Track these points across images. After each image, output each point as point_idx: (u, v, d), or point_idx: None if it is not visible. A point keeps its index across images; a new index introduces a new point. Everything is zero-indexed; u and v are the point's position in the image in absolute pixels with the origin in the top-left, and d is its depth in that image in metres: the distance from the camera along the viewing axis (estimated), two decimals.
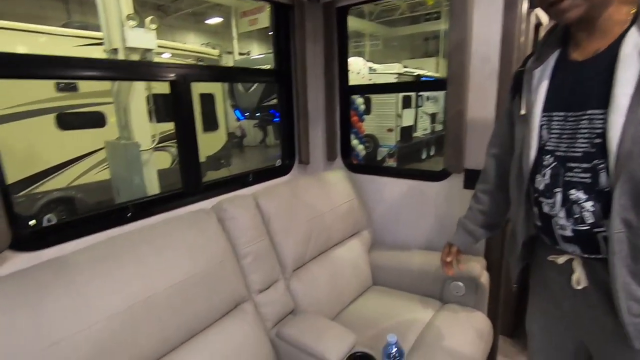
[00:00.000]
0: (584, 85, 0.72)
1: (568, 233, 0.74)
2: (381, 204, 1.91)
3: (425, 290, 1.61)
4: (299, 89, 1.78)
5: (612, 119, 0.65)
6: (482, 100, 1.50)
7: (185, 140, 1.36)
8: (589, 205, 0.70)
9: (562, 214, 0.74)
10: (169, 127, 4.07)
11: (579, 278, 0.75)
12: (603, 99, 0.67)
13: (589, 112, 0.70)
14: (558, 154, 0.75)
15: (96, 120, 4.59)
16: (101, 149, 4.12)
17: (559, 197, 0.74)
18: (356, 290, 1.62)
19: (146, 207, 1.23)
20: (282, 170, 1.85)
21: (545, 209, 0.77)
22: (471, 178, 1.60)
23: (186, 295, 1.01)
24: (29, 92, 3.94)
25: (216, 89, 6.04)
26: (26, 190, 3.88)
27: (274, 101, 6.31)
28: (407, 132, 8.12)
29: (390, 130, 7.77)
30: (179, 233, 1.09)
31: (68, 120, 4.33)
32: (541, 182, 0.77)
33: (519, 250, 0.89)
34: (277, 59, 1.82)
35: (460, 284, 1.51)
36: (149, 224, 1.10)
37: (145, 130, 3.53)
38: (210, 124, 5.98)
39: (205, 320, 1.07)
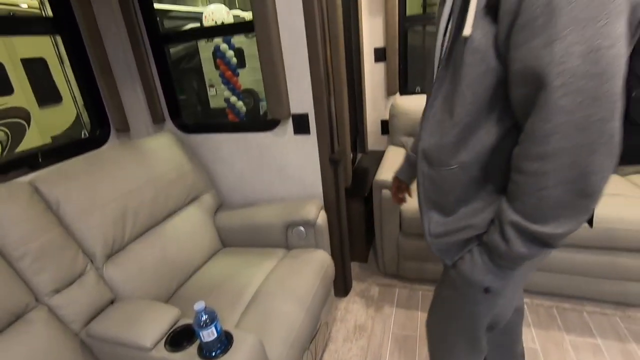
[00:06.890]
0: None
1: None
2: (222, 163, 1.79)
3: (272, 242, 1.60)
4: (89, 39, 1.45)
5: None
6: (294, 39, 1.42)
7: None
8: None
9: None
10: None
11: None
12: None
13: None
14: None
15: None
16: None
17: None
18: (202, 257, 1.53)
19: None
20: (93, 143, 1.54)
21: None
22: (299, 123, 1.58)
23: None
24: None
25: (46, 50, 4.79)
26: None
27: None
28: None
29: None
30: None
31: None
32: None
33: None
34: (51, 2, 1.43)
35: (302, 228, 1.54)
36: None
37: None
38: (48, 95, 4.83)
39: None
